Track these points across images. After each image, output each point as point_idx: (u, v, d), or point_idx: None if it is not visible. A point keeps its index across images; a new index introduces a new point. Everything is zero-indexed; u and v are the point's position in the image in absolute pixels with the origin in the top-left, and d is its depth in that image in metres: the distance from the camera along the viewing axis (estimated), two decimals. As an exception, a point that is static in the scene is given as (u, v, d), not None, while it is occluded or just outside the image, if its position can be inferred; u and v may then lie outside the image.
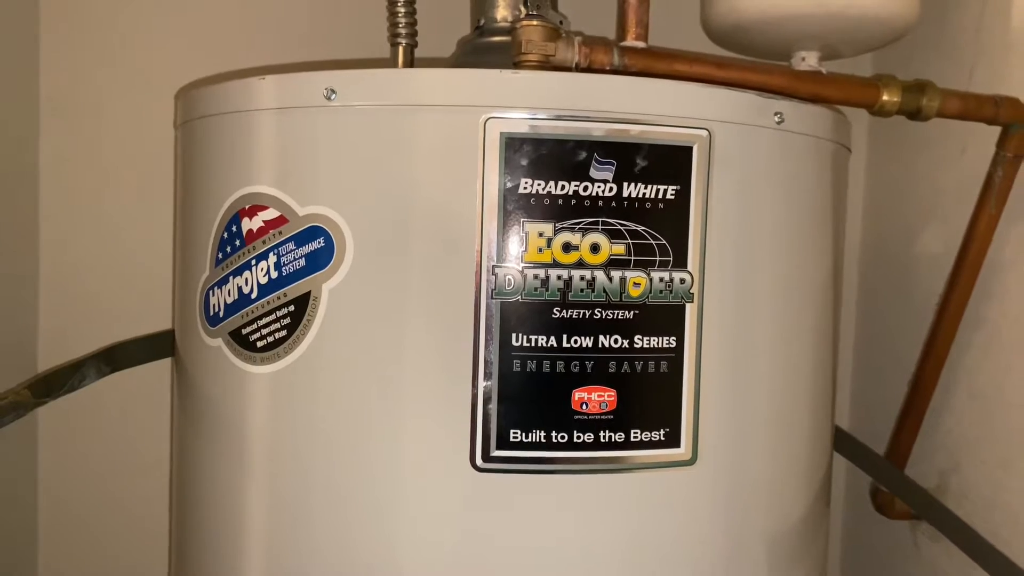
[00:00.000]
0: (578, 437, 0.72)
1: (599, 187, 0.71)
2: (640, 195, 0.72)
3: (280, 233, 0.74)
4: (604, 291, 0.72)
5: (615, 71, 0.82)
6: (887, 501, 1.14)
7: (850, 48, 0.97)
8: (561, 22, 0.94)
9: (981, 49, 1.06)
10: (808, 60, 0.96)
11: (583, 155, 0.71)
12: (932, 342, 1.05)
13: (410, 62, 0.94)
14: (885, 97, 0.90)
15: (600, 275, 0.72)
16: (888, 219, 1.28)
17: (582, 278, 0.71)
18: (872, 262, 1.31)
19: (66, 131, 1.19)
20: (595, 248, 0.71)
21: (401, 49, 0.93)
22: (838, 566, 1.38)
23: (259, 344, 0.76)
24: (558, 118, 0.71)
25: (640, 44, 0.87)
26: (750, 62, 0.88)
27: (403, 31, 0.93)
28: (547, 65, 0.80)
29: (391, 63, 0.94)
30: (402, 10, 0.92)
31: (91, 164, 1.20)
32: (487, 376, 0.71)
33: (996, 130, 0.95)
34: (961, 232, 1.01)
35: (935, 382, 1.07)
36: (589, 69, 0.81)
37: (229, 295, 0.78)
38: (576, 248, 0.71)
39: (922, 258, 1.18)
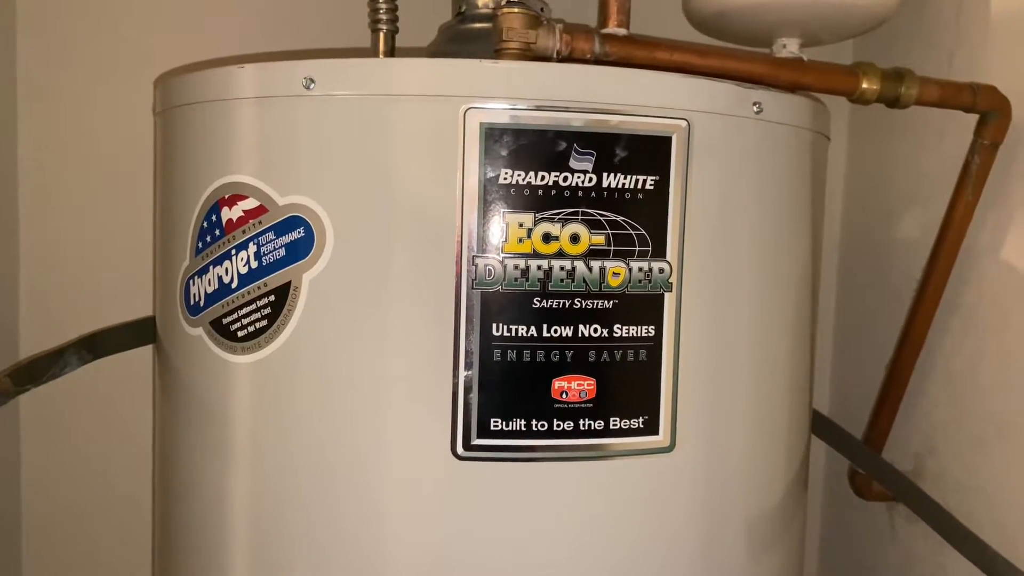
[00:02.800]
0: (558, 425, 0.73)
1: (579, 177, 0.71)
2: (619, 185, 0.72)
3: (260, 223, 0.74)
4: (584, 281, 0.72)
5: (596, 59, 0.82)
6: (864, 484, 1.16)
7: (831, 35, 0.98)
8: (542, 9, 0.93)
9: (960, 36, 1.07)
10: (789, 47, 0.96)
11: (563, 145, 0.71)
12: (909, 327, 1.06)
13: (391, 49, 0.93)
14: (864, 85, 0.91)
15: (580, 265, 0.72)
16: (868, 205, 1.29)
17: (562, 268, 0.72)
18: (852, 247, 1.32)
19: (44, 118, 1.18)
20: (575, 238, 0.72)
21: (382, 36, 0.93)
22: (816, 548, 1.40)
23: (240, 334, 0.76)
24: (538, 108, 0.71)
25: (621, 31, 0.86)
26: (731, 50, 0.88)
27: (384, 17, 0.92)
28: (528, 53, 0.80)
29: (372, 50, 0.93)
30: (383, -4, 0.91)
31: (70, 151, 1.19)
32: (468, 365, 0.72)
33: (974, 117, 0.96)
34: (939, 218, 1.02)
35: (912, 366, 1.08)
36: (570, 57, 0.81)
37: (209, 285, 0.78)
38: (556, 238, 0.72)
39: (901, 243, 1.19)
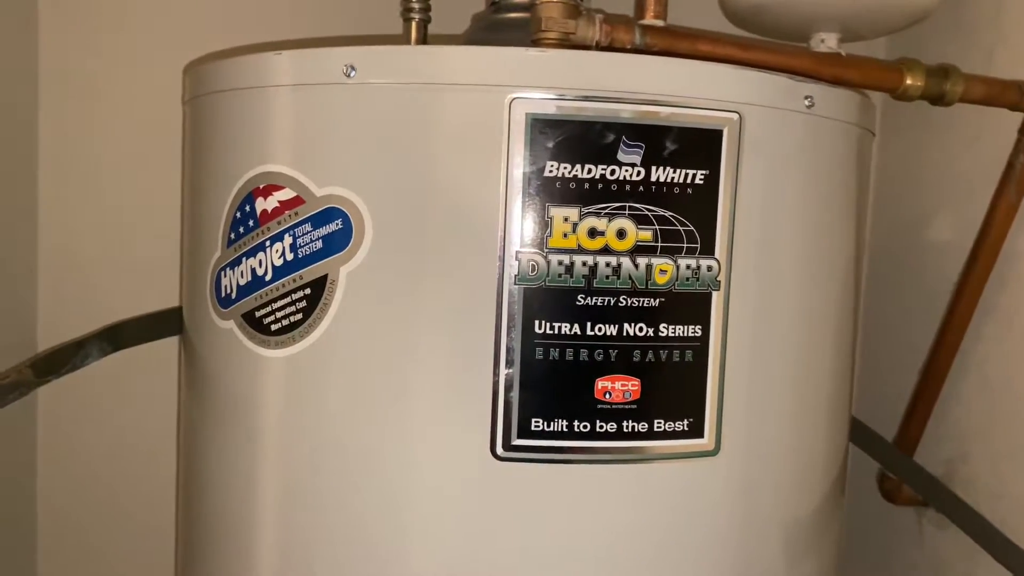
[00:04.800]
0: (600, 427, 0.71)
1: (627, 171, 0.69)
2: (668, 179, 0.70)
3: (296, 214, 0.72)
4: (630, 278, 0.70)
5: (636, 50, 0.80)
6: (894, 487, 1.14)
7: (870, 30, 0.96)
8: (581, -2, 0.91)
9: (1001, 32, 1.05)
10: (827, 42, 0.94)
11: (611, 137, 0.69)
12: (945, 330, 1.04)
13: (423, 38, 0.92)
14: (908, 81, 0.89)
15: (626, 261, 0.70)
16: (899, 205, 1.26)
17: (607, 264, 0.70)
18: (882, 248, 1.30)
19: (66, 107, 1.16)
20: (621, 234, 0.70)
21: (414, 24, 0.91)
22: (841, 552, 1.38)
23: (273, 327, 0.74)
24: (585, 99, 0.69)
25: (660, 23, 0.85)
26: (773, 44, 0.86)
27: (416, 5, 0.91)
28: (567, 43, 0.78)
29: (403, 39, 0.91)
30: (416, -16, 0.89)
31: (91, 141, 1.17)
32: (509, 363, 0.70)
33: (1012, 117, 0.94)
34: (973, 219, 1.00)
35: (947, 371, 1.06)
36: (610, 48, 0.79)
37: (242, 277, 0.76)
38: (602, 234, 0.69)
39: (932, 245, 1.17)
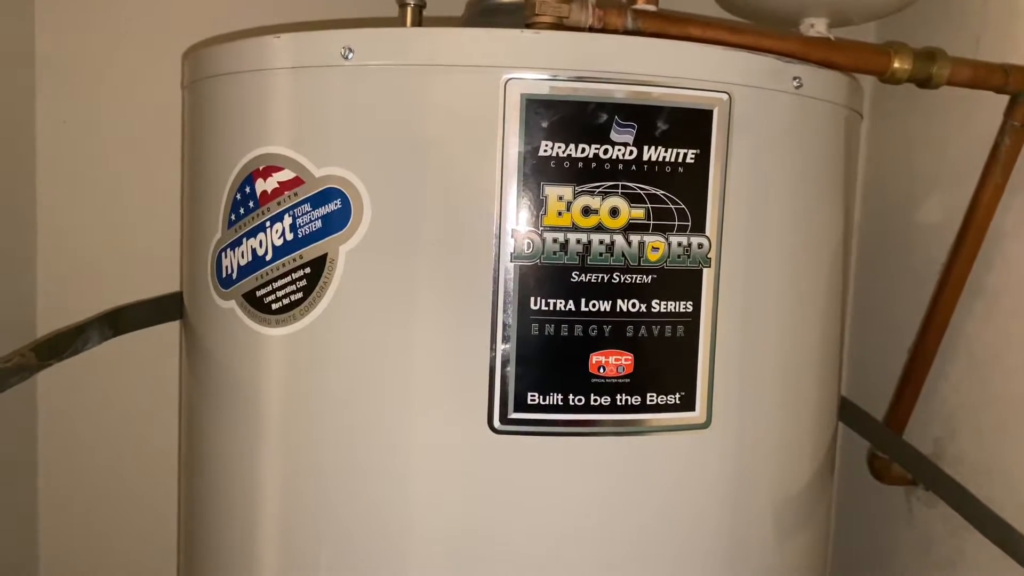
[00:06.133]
0: (595, 400, 0.72)
1: (619, 150, 0.71)
2: (660, 159, 0.71)
3: (296, 195, 0.74)
4: (623, 255, 0.72)
5: (628, 34, 0.81)
6: (883, 466, 1.16)
7: (860, 15, 0.97)
8: (573, -16, 0.92)
9: (988, 17, 1.06)
10: (817, 27, 0.96)
11: (604, 117, 0.70)
12: (933, 310, 1.06)
13: (418, 23, 0.93)
14: (896, 64, 0.90)
15: (619, 239, 0.72)
16: (888, 188, 1.28)
17: (601, 242, 0.71)
18: (871, 229, 1.32)
19: (62, 92, 1.16)
20: (614, 212, 0.71)
21: (410, 10, 0.92)
22: (831, 531, 1.40)
23: (274, 306, 0.75)
24: (580, 79, 0.70)
25: (651, 7, 0.86)
26: (762, 28, 0.88)
27: (412, -8, 0.92)
28: (560, 27, 0.79)
29: (400, 23, 0.92)
30: (411, -30, 0.90)
31: (90, 127, 1.17)
32: (505, 339, 0.71)
33: (1000, 100, 0.95)
34: (962, 201, 1.02)
35: (935, 350, 1.08)
36: (602, 32, 0.80)
37: (243, 257, 0.77)
38: (595, 212, 0.71)
39: (922, 226, 1.18)
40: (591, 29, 0.80)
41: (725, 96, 0.73)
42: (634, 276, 0.72)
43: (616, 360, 0.72)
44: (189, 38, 1.16)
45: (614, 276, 0.72)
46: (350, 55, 0.71)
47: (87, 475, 1.22)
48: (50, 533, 1.22)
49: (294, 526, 0.77)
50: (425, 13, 0.93)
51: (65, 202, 1.18)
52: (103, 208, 1.19)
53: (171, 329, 1.04)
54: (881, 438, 1.10)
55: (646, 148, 0.71)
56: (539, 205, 0.71)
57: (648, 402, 0.73)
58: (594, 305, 0.72)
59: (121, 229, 1.19)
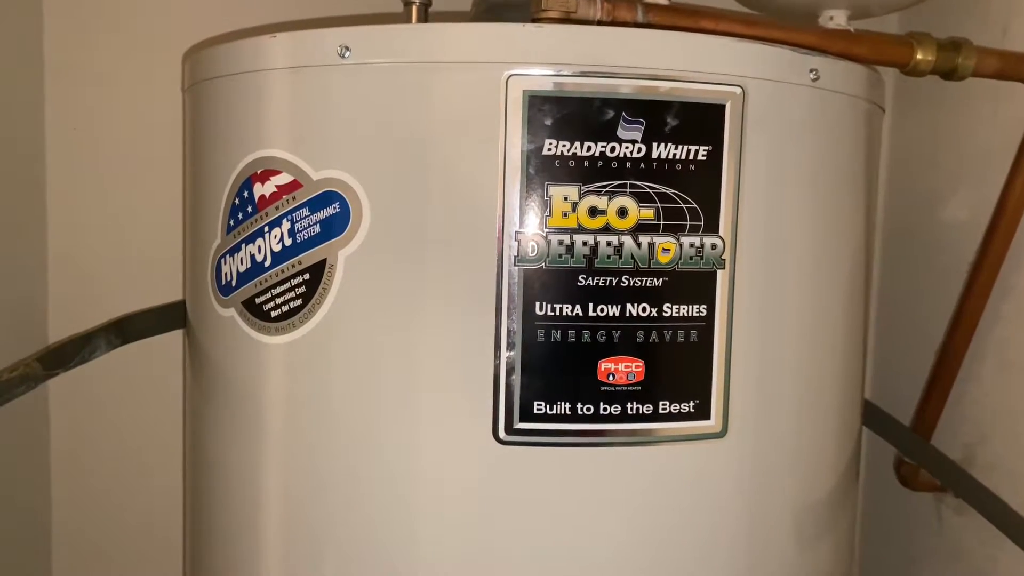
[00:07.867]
0: (604, 409, 0.70)
1: (627, 148, 0.68)
2: (670, 156, 0.68)
3: (294, 198, 0.71)
4: (632, 257, 0.69)
5: (638, 28, 0.78)
6: (911, 472, 1.12)
7: (881, 5, 0.94)
8: (581, -22, 0.90)
9: (1015, 5, 1.02)
10: (836, 19, 0.93)
11: (610, 114, 0.67)
12: (962, 311, 1.02)
13: (424, 21, 0.90)
14: (919, 56, 0.87)
15: (628, 240, 0.69)
16: (913, 184, 1.24)
17: (609, 244, 0.68)
18: (895, 228, 1.28)
19: (71, 97, 1.16)
20: (623, 212, 0.68)
21: (415, 8, 0.90)
22: (857, 538, 1.36)
23: (273, 314, 0.73)
24: (584, 75, 0.67)
25: (663, 1, 0.83)
26: (778, 20, 0.85)
27: (417, -11, 0.89)
28: (567, 22, 0.77)
29: (404, 21, 0.90)
30: (416, -34, 0.88)
31: (99, 134, 1.16)
32: (510, 346, 0.69)
33: (1027, 93, 0.92)
34: (989, 198, 0.98)
35: (964, 352, 1.04)
36: (611, 26, 0.78)
37: (242, 263, 0.75)
38: (603, 212, 0.68)
39: (948, 224, 1.15)
40: (599, 23, 0.78)
41: (738, 90, 0.69)
42: (644, 279, 0.69)
43: (626, 367, 0.70)
44: (194, 42, 1.14)
45: (623, 279, 0.69)
46: (347, 54, 0.69)
47: (98, 484, 1.21)
48: (63, 542, 1.22)
49: (296, 536, 0.75)
50: (432, 10, 0.91)
51: (75, 210, 1.17)
52: (114, 216, 1.18)
53: (180, 337, 1.02)
54: (908, 443, 1.07)
55: (655, 145, 0.68)
56: (543, 206, 0.68)
57: (660, 411, 0.70)
58: (602, 310, 0.69)
59: (132, 237, 1.17)
